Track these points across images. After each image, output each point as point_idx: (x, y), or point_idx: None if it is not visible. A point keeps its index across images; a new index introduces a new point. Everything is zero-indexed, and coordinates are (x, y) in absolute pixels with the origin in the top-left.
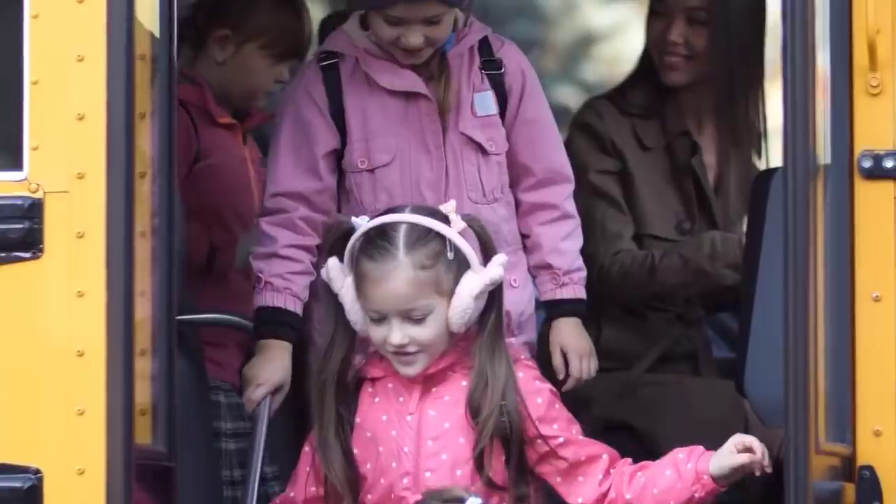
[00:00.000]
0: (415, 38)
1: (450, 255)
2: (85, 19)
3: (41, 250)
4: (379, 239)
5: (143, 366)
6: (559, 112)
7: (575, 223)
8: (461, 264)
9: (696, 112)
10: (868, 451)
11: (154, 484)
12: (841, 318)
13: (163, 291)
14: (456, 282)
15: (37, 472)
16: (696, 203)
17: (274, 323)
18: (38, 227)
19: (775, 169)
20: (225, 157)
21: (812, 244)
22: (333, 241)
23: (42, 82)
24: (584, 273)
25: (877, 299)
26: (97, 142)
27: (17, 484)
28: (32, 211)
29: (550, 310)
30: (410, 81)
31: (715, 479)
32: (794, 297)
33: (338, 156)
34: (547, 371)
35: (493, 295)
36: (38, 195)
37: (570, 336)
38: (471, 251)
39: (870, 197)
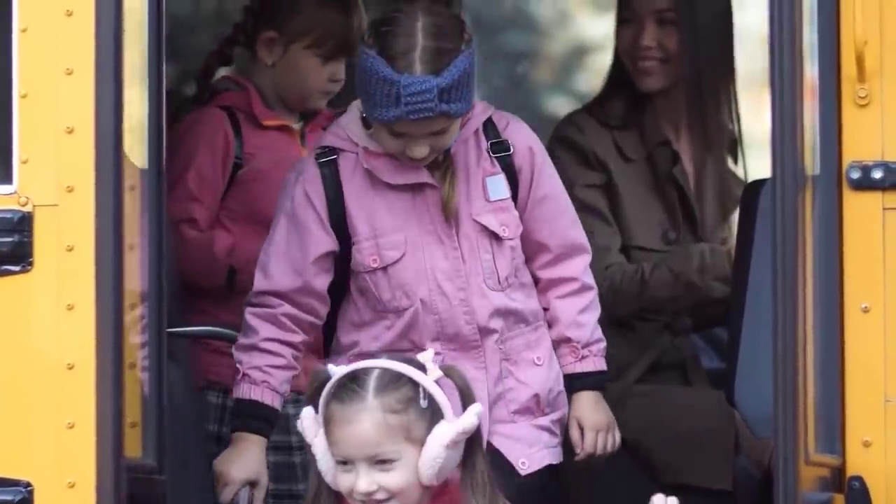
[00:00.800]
0: (420, 150)
1: (423, 403)
2: (73, 33)
3: (31, 264)
4: (350, 383)
5: (133, 378)
6: (553, 124)
7: (593, 294)
8: (435, 413)
9: (672, 120)
10: (857, 462)
11: (143, 497)
12: (830, 329)
13: (152, 304)
14: (429, 431)
15: (27, 485)
16: (681, 212)
17: (248, 416)
18: (27, 240)
19: (764, 180)
20: (273, 161)
21: (801, 255)
22: (312, 392)
23: (31, 96)
24: (603, 344)
25: (865, 310)
26: (86, 155)
27: (8, 497)
28: (22, 224)
29: (571, 383)
30: (415, 174)
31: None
32: (783, 307)
33: (336, 257)
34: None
35: (473, 442)
36: (28, 208)
37: (588, 409)
38: (444, 400)
39: (858, 208)
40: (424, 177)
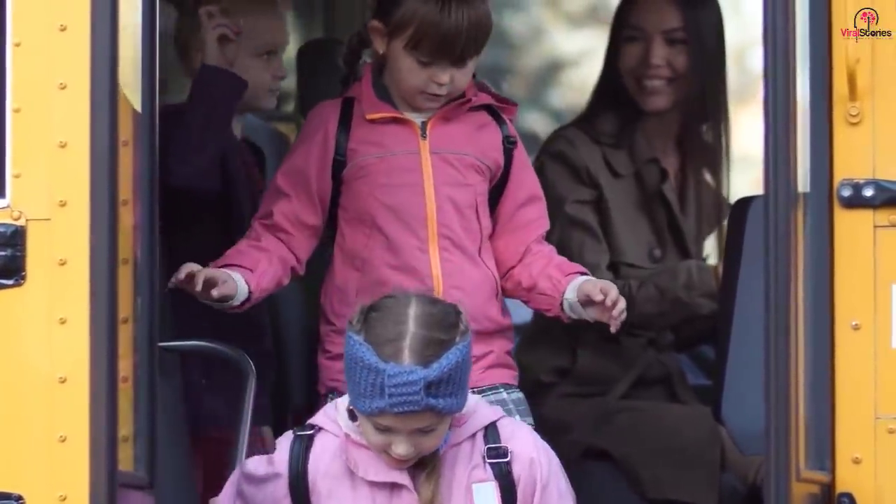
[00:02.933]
0: (403, 447)
1: None
2: (67, 47)
3: (23, 277)
4: None
5: (125, 392)
6: (528, 138)
7: None
8: None
9: (662, 138)
10: (847, 479)
11: None
12: (820, 345)
13: (145, 318)
14: None
15: (19, 498)
16: (668, 230)
17: None
18: (20, 254)
19: (752, 197)
20: (377, 156)
21: (792, 272)
22: None
23: (24, 110)
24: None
25: (856, 328)
26: (79, 170)
27: None
28: (15, 238)
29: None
30: (394, 473)
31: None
32: (775, 325)
33: None
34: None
35: None
36: (21, 223)
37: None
38: None
39: (849, 226)
40: (403, 478)
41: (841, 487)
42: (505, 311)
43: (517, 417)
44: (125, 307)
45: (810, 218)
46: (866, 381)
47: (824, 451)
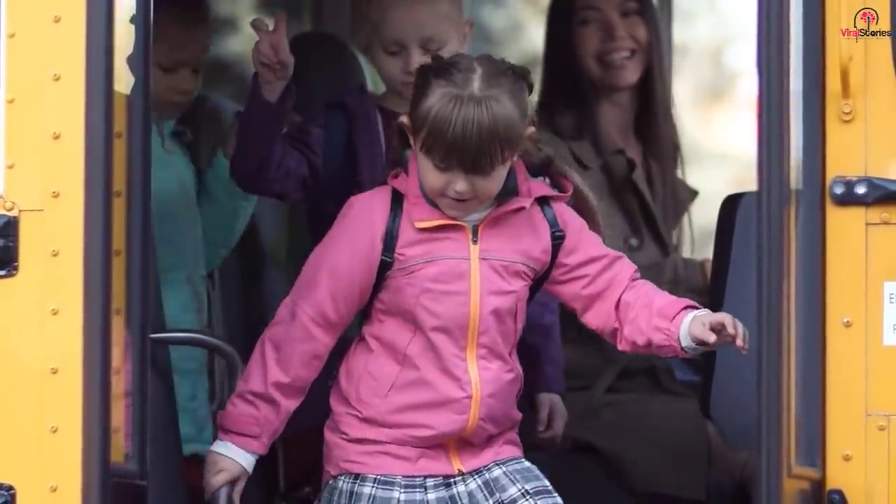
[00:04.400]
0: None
1: None
2: (61, 38)
3: (16, 268)
4: None
5: (117, 384)
6: None
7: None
8: None
9: (621, 128)
10: (837, 476)
11: (124, 502)
12: (812, 342)
13: (136, 310)
14: None
15: (10, 488)
16: (641, 217)
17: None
18: (12, 244)
19: (742, 194)
20: (430, 259)
21: (784, 269)
22: None
23: (18, 101)
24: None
25: (847, 325)
26: (72, 161)
27: None
28: (7, 229)
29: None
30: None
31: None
32: (767, 321)
33: None
34: None
35: None
36: (14, 213)
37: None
38: None
39: (841, 223)
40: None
41: (831, 484)
42: None
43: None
44: (118, 298)
45: (803, 215)
46: (857, 377)
47: (815, 447)
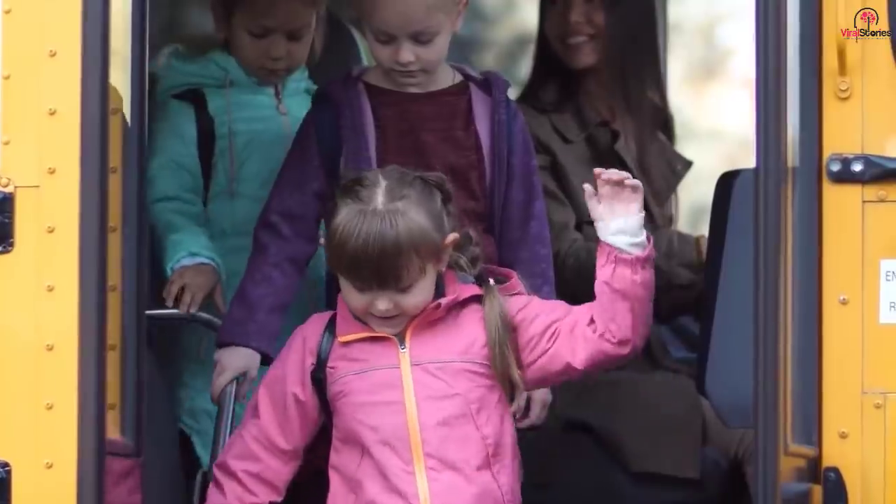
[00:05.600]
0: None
1: None
2: (58, 14)
3: (11, 244)
4: None
5: (112, 360)
6: None
7: None
8: None
9: (605, 100)
10: (833, 454)
11: (120, 477)
12: (808, 320)
13: (132, 286)
14: None
15: (5, 465)
16: None
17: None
18: (8, 221)
19: (737, 171)
20: (360, 371)
21: (781, 247)
22: None
23: (14, 77)
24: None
25: (843, 302)
26: (68, 137)
27: None
28: (3, 205)
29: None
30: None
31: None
32: (764, 299)
33: None
34: None
35: None
36: (9, 189)
37: None
38: None
39: (838, 200)
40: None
41: (827, 462)
42: None
43: None
44: (113, 275)
45: (799, 192)
46: (853, 355)
47: (811, 425)
